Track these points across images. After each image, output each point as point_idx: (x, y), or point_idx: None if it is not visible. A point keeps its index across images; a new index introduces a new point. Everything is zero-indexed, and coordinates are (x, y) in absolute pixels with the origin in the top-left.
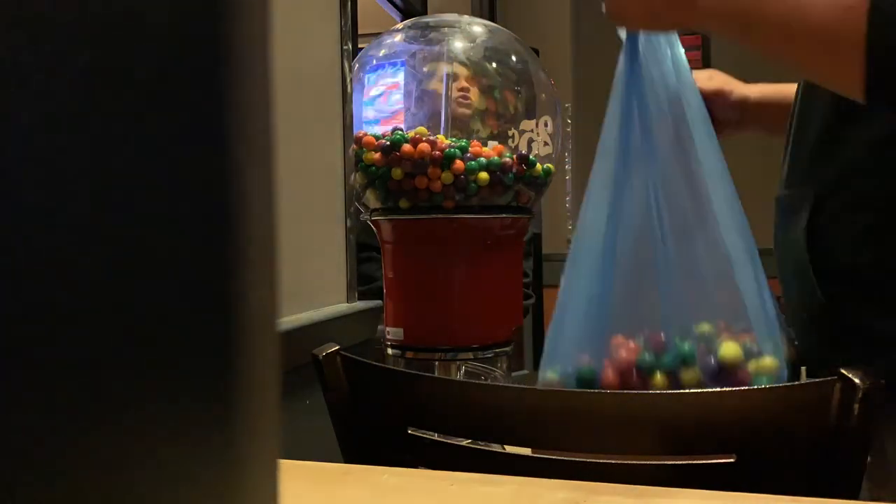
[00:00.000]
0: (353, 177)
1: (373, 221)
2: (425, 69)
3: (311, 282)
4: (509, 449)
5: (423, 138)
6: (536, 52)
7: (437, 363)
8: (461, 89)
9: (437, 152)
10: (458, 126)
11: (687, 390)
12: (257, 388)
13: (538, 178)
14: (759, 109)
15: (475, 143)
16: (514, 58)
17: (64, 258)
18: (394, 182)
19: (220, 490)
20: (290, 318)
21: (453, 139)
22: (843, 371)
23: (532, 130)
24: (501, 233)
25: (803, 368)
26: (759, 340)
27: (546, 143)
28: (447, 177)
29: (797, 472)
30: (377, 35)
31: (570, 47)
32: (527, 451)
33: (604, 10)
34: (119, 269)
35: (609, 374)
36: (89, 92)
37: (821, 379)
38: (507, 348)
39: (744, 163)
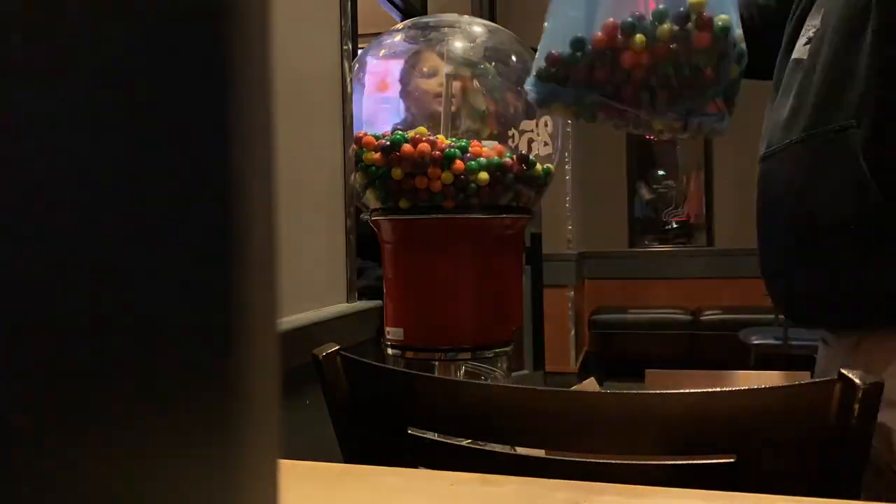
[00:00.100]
0: (353, 177)
1: (373, 221)
2: (425, 69)
3: (311, 282)
4: (510, 449)
5: (423, 138)
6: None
7: (437, 363)
8: (440, 85)
9: (437, 152)
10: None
11: (687, 390)
12: (257, 388)
13: (538, 178)
14: None
15: (475, 143)
16: (514, 58)
17: (63, 259)
18: (394, 182)
19: (220, 490)
20: (290, 318)
21: (453, 139)
22: (843, 371)
23: (532, 130)
24: (501, 233)
25: None
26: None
27: (546, 143)
28: (447, 177)
29: (797, 472)
30: (377, 35)
31: None
32: (527, 451)
33: None
34: (119, 269)
35: (597, 35)
36: (89, 92)
37: (821, 379)
38: (507, 348)
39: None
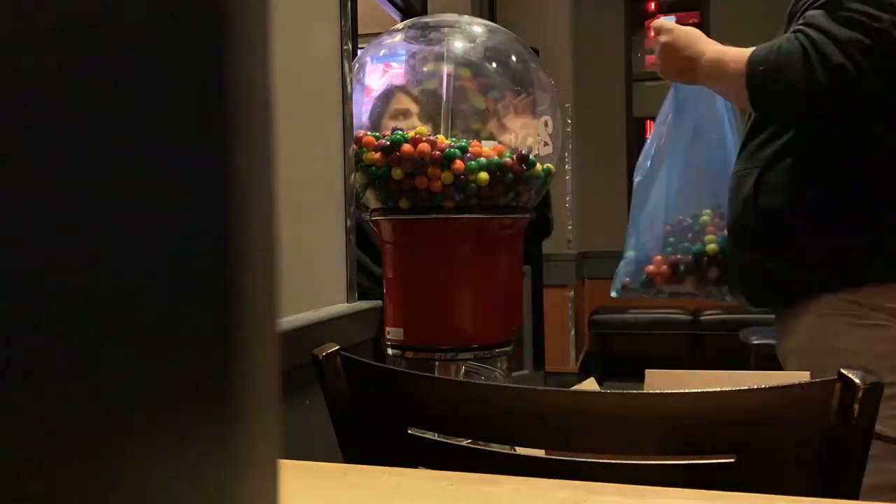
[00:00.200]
0: (353, 177)
1: (373, 221)
2: (425, 69)
3: (311, 282)
4: (509, 449)
5: (423, 138)
6: (536, 52)
7: (437, 363)
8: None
9: (437, 152)
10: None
11: (686, 390)
12: (257, 388)
13: (538, 178)
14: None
15: (475, 143)
16: (514, 58)
17: (63, 258)
18: (394, 182)
19: (220, 490)
20: (290, 318)
21: (453, 139)
22: (843, 371)
23: (532, 130)
24: (501, 233)
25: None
26: None
27: (546, 143)
28: (447, 177)
29: (797, 471)
30: (377, 35)
31: (570, 47)
32: (527, 451)
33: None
34: (118, 269)
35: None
36: (88, 93)
37: (821, 379)
38: (507, 348)
39: None
